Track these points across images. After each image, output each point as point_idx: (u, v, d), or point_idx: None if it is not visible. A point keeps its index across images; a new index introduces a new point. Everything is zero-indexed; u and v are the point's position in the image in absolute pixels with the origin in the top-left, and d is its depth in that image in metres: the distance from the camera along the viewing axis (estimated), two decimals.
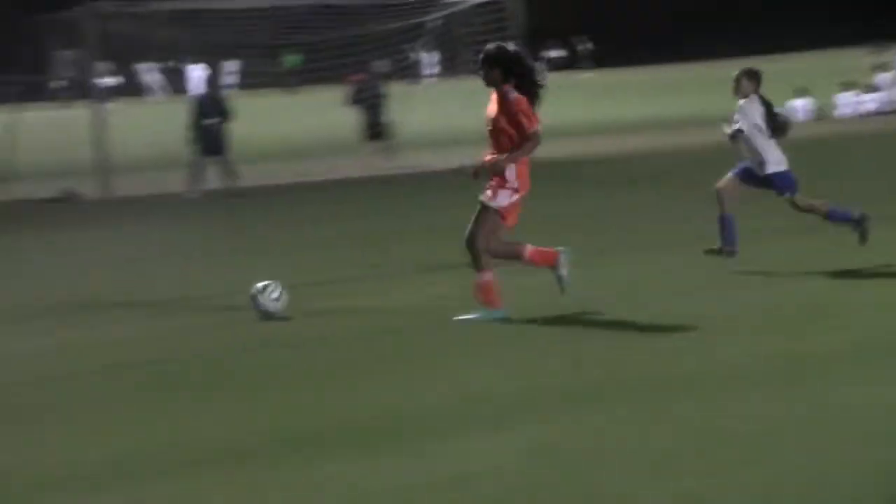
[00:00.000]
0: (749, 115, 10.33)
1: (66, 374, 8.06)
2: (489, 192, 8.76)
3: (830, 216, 10.51)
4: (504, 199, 8.75)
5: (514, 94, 8.73)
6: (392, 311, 9.67)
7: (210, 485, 5.47)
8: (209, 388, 7.51)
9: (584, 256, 9.76)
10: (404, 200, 18.68)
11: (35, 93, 29.46)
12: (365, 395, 6.98)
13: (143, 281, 12.09)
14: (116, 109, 28.61)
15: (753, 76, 10.53)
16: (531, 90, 8.83)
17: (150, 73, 40.95)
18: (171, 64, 36.57)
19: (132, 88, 30.69)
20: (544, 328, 8.66)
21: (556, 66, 50.90)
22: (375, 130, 23.26)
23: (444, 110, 24.06)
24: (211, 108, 20.06)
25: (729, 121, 10.64)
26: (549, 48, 53.82)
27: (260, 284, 9.31)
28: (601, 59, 53.99)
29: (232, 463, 5.76)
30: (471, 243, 8.76)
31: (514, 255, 8.95)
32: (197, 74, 32.01)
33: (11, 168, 21.49)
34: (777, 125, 10.44)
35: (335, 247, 13.80)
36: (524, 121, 8.70)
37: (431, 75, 36.32)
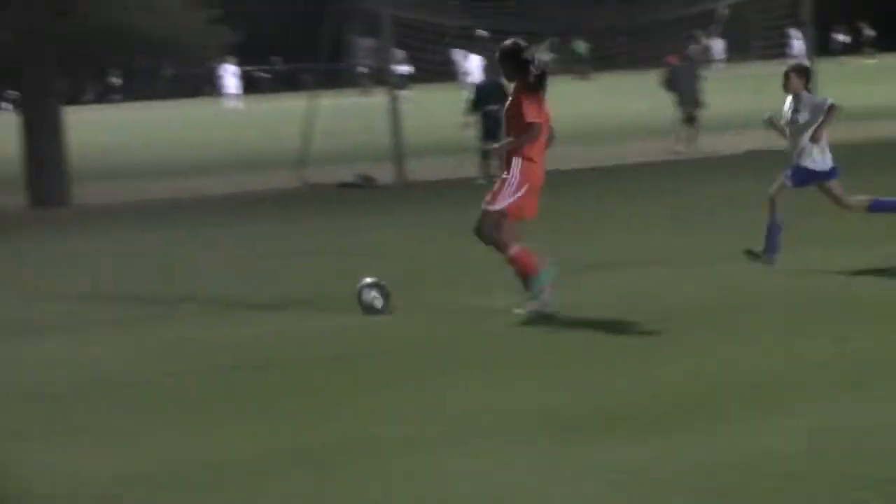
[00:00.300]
0: (805, 110, 10.46)
1: None
2: (488, 197, 9.23)
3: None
4: (504, 200, 9.14)
5: (521, 87, 9.28)
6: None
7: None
8: None
9: None
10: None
11: (333, 80, 30.87)
12: (654, 376, 7.24)
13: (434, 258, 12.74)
14: (412, 96, 29.71)
15: (802, 73, 10.78)
16: (533, 83, 9.24)
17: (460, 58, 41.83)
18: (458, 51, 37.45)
19: (428, 75, 31.58)
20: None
21: (842, 50, 50.64)
22: (690, 113, 23.46)
23: (734, 95, 24.05)
24: (491, 95, 20.47)
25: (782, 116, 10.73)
26: (835, 33, 53.39)
27: (368, 280, 9.75)
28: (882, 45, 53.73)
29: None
30: (481, 237, 9.28)
31: (503, 248, 9.23)
32: (476, 62, 32.77)
33: (310, 153, 22.67)
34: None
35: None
36: (524, 112, 9.08)
37: (720, 60, 36.07)
